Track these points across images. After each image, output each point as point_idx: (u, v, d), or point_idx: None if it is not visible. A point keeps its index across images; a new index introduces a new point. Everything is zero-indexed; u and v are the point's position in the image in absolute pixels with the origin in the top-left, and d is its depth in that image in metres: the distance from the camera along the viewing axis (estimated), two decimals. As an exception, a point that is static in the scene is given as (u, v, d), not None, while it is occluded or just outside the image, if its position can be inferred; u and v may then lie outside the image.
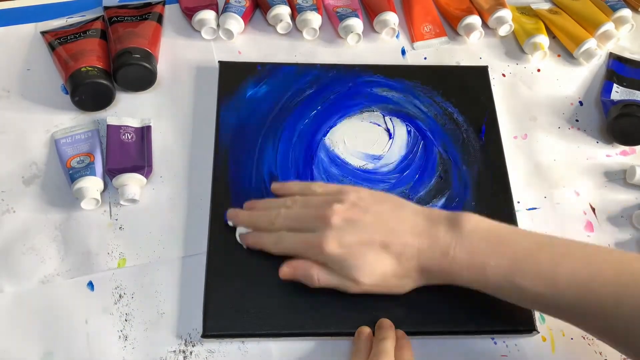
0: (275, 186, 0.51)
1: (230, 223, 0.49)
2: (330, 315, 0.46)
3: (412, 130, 0.57)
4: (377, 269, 0.44)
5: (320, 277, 0.45)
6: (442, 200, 0.53)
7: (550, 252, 0.42)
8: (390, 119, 0.57)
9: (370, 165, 0.55)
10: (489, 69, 0.64)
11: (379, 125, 0.57)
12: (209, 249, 0.49)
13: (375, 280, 0.44)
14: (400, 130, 0.57)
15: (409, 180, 0.54)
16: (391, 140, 0.56)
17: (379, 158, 0.55)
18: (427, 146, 0.56)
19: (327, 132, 0.56)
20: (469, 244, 0.42)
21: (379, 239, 0.43)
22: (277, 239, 0.46)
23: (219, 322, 0.46)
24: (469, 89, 0.60)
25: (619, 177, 0.58)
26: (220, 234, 0.49)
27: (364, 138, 0.56)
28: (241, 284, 0.47)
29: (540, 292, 0.41)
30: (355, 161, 0.55)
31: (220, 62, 0.59)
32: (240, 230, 0.49)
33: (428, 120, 0.57)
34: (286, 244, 0.46)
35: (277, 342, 0.47)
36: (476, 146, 0.56)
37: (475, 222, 0.43)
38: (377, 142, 0.56)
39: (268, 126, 0.55)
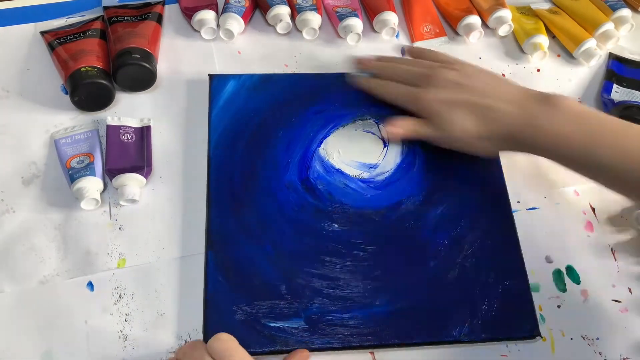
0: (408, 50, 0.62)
1: (355, 67, 0.60)
2: (335, 331, 0.46)
3: None
4: (466, 125, 0.50)
5: (416, 127, 0.53)
6: (440, 207, 0.53)
7: (626, 130, 0.47)
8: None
9: (365, 174, 0.54)
10: (490, 69, 0.64)
11: (373, 134, 0.57)
12: (206, 267, 0.48)
13: (461, 134, 0.51)
14: None
15: (406, 187, 0.54)
16: (386, 148, 0.56)
17: (374, 167, 0.55)
18: (421, 152, 0.56)
19: (322, 142, 0.55)
20: (556, 116, 0.48)
21: (473, 101, 0.50)
22: (384, 84, 0.56)
23: None
24: None
25: (619, 177, 0.58)
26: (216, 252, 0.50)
27: (358, 147, 0.56)
28: (242, 300, 0.47)
29: (613, 165, 0.46)
30: (351, 170, 0.54)
31: (210, 75, 0.58)
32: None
33: None
34: (390, 89, 0.56)
35: (280, 357, 0.46)
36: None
37: (566, 101, 0.48)
38: (371, 150, 0.56)
39: (261, 138, 0.55)
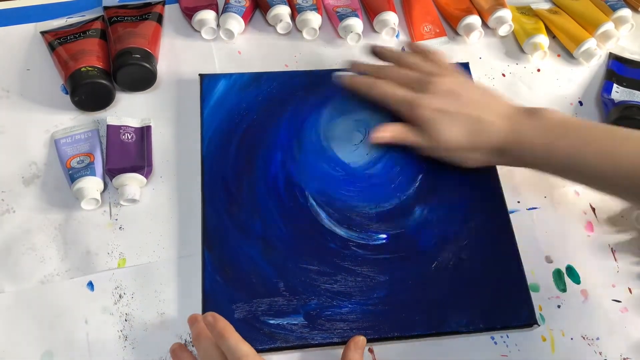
0: (377, 49, 0.58)
1: (347, 71, 0.56)
2: (334, 326, 0.47)
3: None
4: (457, 136, 0.50)
5: (406, 133, 0.52)
6: (435, 201, 0.53)
7: (613, 135, 0.48)
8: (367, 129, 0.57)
9: (359, 161, 0.54)
10: (490, 69, 0.64)
11: (363, 130, 0.57)
12: (203, 269, 0.48)
13: (451, 144, 0.50)
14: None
15: (401, 182, 0.54)
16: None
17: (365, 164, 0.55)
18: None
19: (314, 137, 0.56)
20: (542, 128, 0.49)
21: (467, 112, 0.50)
22: (375, 83, 0.54)
23: None
24: None
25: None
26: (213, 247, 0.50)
27: (348, 138, 0.56)
28: (240, 298, 0.47)
29: (603, 170, 0.47)
30: (345, 157, 0.55)
31: (200, 74, 0.58)
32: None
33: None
34: (383, 90, 0.53)
35: (280, 353, 0.47)
36: None
37: (551, 113, 0.50)
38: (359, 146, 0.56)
39: (253, 137, 0.55)
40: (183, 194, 0.53)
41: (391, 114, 0.53)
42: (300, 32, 0.64)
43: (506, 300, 0.48)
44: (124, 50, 0.56)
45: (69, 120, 0.57)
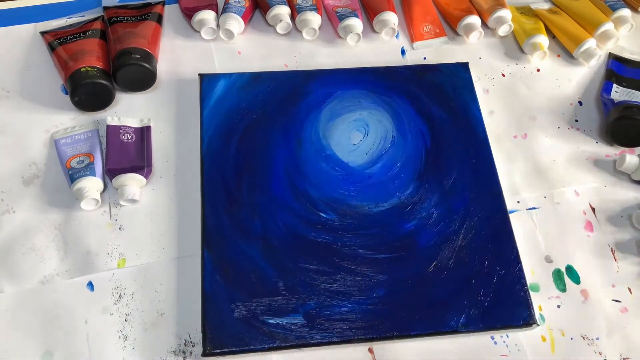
0: None
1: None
2: (333, 325, 0.47)
3: (394, 133, 0.57)
4: None
5: None
6: (434, 200, 0.53)
7: None
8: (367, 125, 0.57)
9: (359, 160, 0.55)
10: (489, 69, 0.64)
11: (362, 130, 0.57)
12: (203, 269, 0.48)
13: None
14: (380, 131, 0.57)
15: (400, 180, 0.54)
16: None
17: (374, 160, 0.55)
18: (411, 145, 0.56)
19: (314, 136, 0.56)
20: None
21: None
22: None
23: (219, 340, 0.45)
24: (452, 87, 0.60)
25: (619, 177, 0.58)
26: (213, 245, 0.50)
27: (348, 137, 0.56)
28: (240, 297, 0.47)
29: None
30: (345, 156, 0.55)
31: (200, 74, 0.58)
32: None
33: (410, 121, 0.57)
34: None
35: (279, 353, 0.47)
36: (462, 147, 0.56)
37: None
38: (360, 147, 0.56)
39: (253, 136, 0.55)
40: (183, 194, 0.53)
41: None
42: (300, 32, 0.64)
43: (506, 300, 0.48)
44: (124, 50, 0.56)
45: (69, 121, 0.57)
